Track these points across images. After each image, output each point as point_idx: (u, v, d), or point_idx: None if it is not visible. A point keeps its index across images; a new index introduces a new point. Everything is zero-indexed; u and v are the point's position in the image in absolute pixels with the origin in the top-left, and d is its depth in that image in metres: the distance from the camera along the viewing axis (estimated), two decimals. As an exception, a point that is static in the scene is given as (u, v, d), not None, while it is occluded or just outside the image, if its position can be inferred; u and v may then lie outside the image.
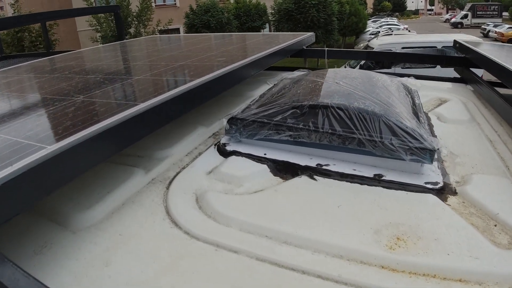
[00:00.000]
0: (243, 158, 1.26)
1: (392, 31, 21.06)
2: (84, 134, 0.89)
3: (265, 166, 1.22)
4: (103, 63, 2.14)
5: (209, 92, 1.39)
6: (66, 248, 0.90)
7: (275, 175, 1.20)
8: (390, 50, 10.61)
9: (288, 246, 0.88)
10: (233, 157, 1.27)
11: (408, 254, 0.83)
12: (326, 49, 2.67)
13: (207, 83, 1.36)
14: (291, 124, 1.24)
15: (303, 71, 2.11)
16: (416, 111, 1.43)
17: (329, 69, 1.84)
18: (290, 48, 2.35)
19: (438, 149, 1.17)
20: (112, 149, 0.97)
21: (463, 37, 10.33)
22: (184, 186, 1.14)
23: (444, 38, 10.79)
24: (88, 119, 1.01)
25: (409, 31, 24.62)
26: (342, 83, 1.44)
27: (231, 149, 1.31)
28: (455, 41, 2.70)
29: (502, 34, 28.93)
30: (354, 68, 10.19)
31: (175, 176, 1.21)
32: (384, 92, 1.42)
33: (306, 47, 2.73)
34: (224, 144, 1.35)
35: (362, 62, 10.60)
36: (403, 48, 10.53)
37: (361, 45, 18.02)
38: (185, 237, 0.92)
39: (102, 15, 14.85)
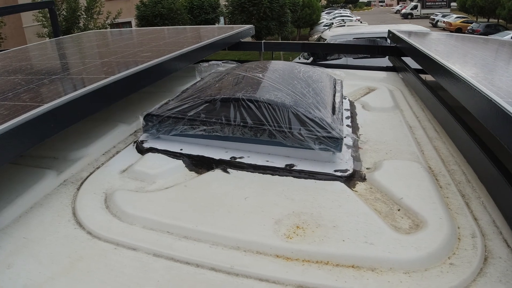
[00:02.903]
0: (159, 154, 1.26)
1: (345, 23, 21.51)
2: None
3: (180, 162, 1.23)
4: (28, 63, 2.05)
5: (127, 88, 1.38)
6: None
7: (190, 170, 1.21)
8: (342, 41, 10.86)
9: (187, 241, 0.89)
10: (149, 154, 1.27)
11: (303, 242, 0.85)
12: (263, 41, 2.69)
13: (123, 79, 1.34)
14: (204, 119, 1.25)
15: (232, 63, 2.12)
16: (333, 101, 1.48)
17: (257, 62, 1.86)
18: (224, 41, 2.36)
19: (345, 137, 1.22)
20: (13, 151, 0.95)
21: (412, 27, 10.72)
22: (95, 186, 1.13)
23: (393, 28, 11.12)
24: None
25: (361, 22, 25.25)
26: (261, 76, 1.46)
27: (148, 146, 1.31)
28: (389, 31, 2.78)
29: (450, 24, 30.33)
30: (307, 59, 10.33)
31: (87, 177, 1.19)
32: (301, 83, 1.45)
33: (249, 38, 2.73)
34: (142, 142, 1.34)
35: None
36: (354, 38, 10.79)
37: (315, 36, 18.28)
38: (86, 238, 0.92)
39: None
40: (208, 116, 1.25)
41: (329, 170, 1.15)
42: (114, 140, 1.43)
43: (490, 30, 24.76)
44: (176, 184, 1.13)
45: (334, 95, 1.57)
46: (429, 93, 1.67)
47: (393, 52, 2.57)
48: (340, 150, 1.17)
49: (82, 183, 1.15)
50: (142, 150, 1.31)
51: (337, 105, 1.45)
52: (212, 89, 1.40)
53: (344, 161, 1.19)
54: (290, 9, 16.20)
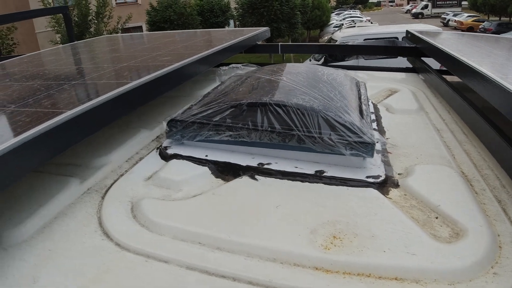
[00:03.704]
0: (184, 161, 1.23)
1: (355, 23, 21.37)
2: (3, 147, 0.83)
3: (206, 168, 1.19)
4: (45, 68, 2.04)
5: (151, 92, 1.34)
6: None
7: (216, 177, 1.17)
8: (353, 41, 10.77)
9: (220, 252, 0.85)
10: (174, 161, 1.23)
11: (342, 253, 0.81)
12: (280, 44, 2.65)
13: (145, 84, 1.31)
14: (230, 124, 1.21)
15: (253, 66, 2.08)
16: (360, 104, 1.43)
17: (278, 64, 1.82)
18: (241, 44, 2.32)
19: (377, 142, 1.17)
20: (36, 160, 0.91)
21: (423, 27, 10.61)
22: (120, 194, 1.09)
23: (404, 28, 11.02)
24: (12, 129, 0.96)
25: (371, 22, 25.08)
26: (285, 79, 1.43)
27: (172, 152, 1.27)
28: (407, 31, 2.73)
29: (461, 23, 29.98)
30: (319, 60, 10.27)
31: (112, 184, 1.16)
32: (327, 86, 1.41)
33: (263, 41, 2.71)
34: (166, 148, 1.31)
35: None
36: (365, 39, 10.71)
37: (325, 38, 18.19)
38: (115, 249, 0.88)
39: (61, 15, 14.28)
40: (235, 122, 1.21)
41: (360, 176, 1.11)
42: (137, 146, 1.40)
43: (502, 28, 24.38)
44: (203, 191, 1.09)
45: (360, 98, 1.52)
46: (456, 95, 1.62)
47: (413, 53, 2.51)
48: (372, 156, 1.13)
49: (106, 191, 1.12)
50: (166, 157, 1.27)
51: (364, 108, 1.41)
52: (236, 93, 1.36)
53: (375, 167, 1.15)
54: (300, 10, 16.15)
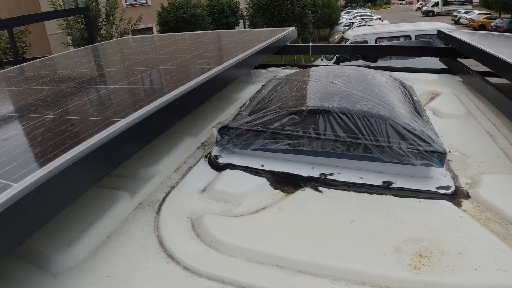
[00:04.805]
0: (239, 171, 1.14)
1: (366, 22, 21.18)
2: (55, 166, 0.74)
3: (263, 179, 1.11)
4: (74, 70, 1.97)
5: (198, 98, 1.26)
6: None
7: (275, 188, 1.09)
8: (366, 41, 10.66)
9: (303, 276, 0.77)
10: (228, 171, 1.15)
11: (434, 273, 0.75)
12: (310, 44, 2.56)
13: (196, 89, 1.23)
14: (290, 132, 1.13)
15: (292, 68, 2.00)
16: (417, 109, 1.34)
17: (319, 67, 1.73)
18: (274, 45, 2.23)
19: (449, 151, 1.09)
20: (91, 179, 0.83)
21: (435, 25, 10.47)
22: (176, 209, 1.01)
23: (416, 27, 10.92)
24: (60, 143, 0.87)
25: (382, 21, 24.85)
26: (338, 83, 1.34)
27: (225, 162, 1.19)
28: (439, 31, 2.65)
29: (473, 20, 29.56)
30: (330, 60, 10.16)
31: (164, 198, 1.07)
32: (383, 90, 1.33)
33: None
34: (216, 157, 1.23)
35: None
36: (377, 38, 10.61)
37: (336, 37, 18.04)
38: (185, 274, 0.79)
39: (72, 17, 14.31)
40: (295, 129, 1.12)
41: (430, 187, 1.04)
42: (183, 155, 1.31)
43: (514, 25, 23.99)
44: (266, 205, 1.00)
45: (416, 103, 1.43)
46: (505, 98, 1.53)
47: (449, 54, 2.41)
48: (443, 166, 1.06)
49: (160, 206, 1.04)
50: (217, 166, 1.19)
51: (424, 114, 1.31)
52: (290, 99, 1.27)
53: (442, 176, 1.08)
54: (310, 10, 16.02)
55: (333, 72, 1.52)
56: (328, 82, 1.36)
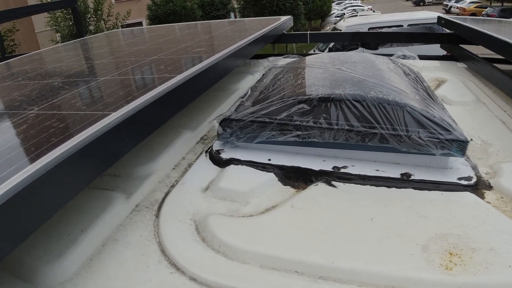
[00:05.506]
0: (244, 166, 1.05)
1: (357, 13, 21.08)
2: (38, 167, 0.64)
3: (271, 175, 1.01)
4: (62, 64, 1.85)
5: (197, 88, 1.16)
6: None
7: (285, 184, 1.00)
8: (358, 31, 10.57)
9: (325, 283, 0.69)
10: (232, 167, 1.05)
11: (468, 273, 0.69)
12: (308, 32, 2.46)
13: (194, 78, 1.12)
14: (299, 122, 1.03)
15: (294, 57, 1.90)
16: (431, 96, 1.26)
17: (322, 54, 1.64)
18: (272, 34, 2.13)
19: (471, 139, 1.01)
20: (81, 181, 0.73)
21: (426, 14, 10.45)
22: (177, 211, 0.91)
23: (408, 16, 10.91)
24: (43, 141, 0.76)
25: (373, 11, 24.76)
26: (345, 69, 1.24)
27: (228, 157, 1.09)
28: (439, 17, 2.58)
29: (464, 9, 29.61)
30: (323, 51, 10.08)
31: (164, 199, 0.97)
32: (394, 76, 1.24)
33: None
34: (218, 151, 1.13)
35: (331, 44, 10.50)
36: (369, 28, 10.57)
37: (328, 28, 17.92)
38: (192, 286, 0.70)
39: (60, 14, 14.04)
40: (305, 119, 1.03)
41: (451, 178, 0.97)
42: (182, 151, 1.21)
43: (505, 14, 24.03)
44: (276, 203, 0.91)
45: (428, 89, 1.35)
46: None
47: (451, 40, 2.34)
48: (464, 155, 0.99)
49: (159, 208, 0.94)
50: (220, 162, 1.09)
51: (438, 101, 1.23)
52: (296, 86, 1.17)
53: (461, 166, 1.01)
54: (302, 1, 15.88)
55: (338, 58, 1.43)
56: (335, 68, 1.27)
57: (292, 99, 1.06)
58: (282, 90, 1.15)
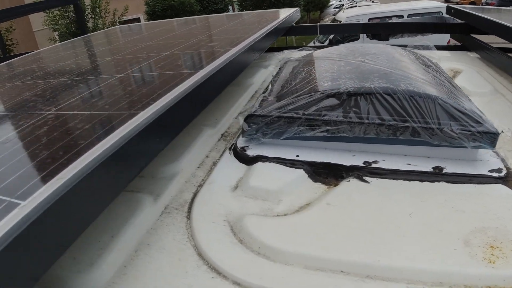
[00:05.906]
0: (272, 163, 1.02)
1: (356, 3, 20.92)
2: (71, 174, 0.60)
3: (301, 172, 0.99)
4: (70, 62, 1.82)
5: (219, 83, 1.13)
6: None
7: (315, 181, 0.97)
8: (359, 22, 10.51)
9: (373, 282, 0.67)
10: (260, 164, 1.03)
11: (511, 265, 0.69)
12: (318, 24, 2.42)
13: (217, 72, 1.09)
14: (329, 117, 1.00)
15: (309, 49, 1.86)
16: (455, 87, 1.23)
17: (338, 46, 1.60)
18: (282, 26, 2.10)
19: (502, 131, 0.99)
20: (117, 186, 0.70)
21: (427, 3, 10.35)
22: (209, 212, 0.88)
23: (408, 6, 10.81)
24: (71, 144, 0.73)
25: (372, 1, 24.58)
26: (368, 62, 1.21)
27: (254, 154, 1.07)
28: (448, 7, 2.55)
29: (463, -2, 29.39)
30: (323, 43, 10.02)
31: (193, 199, 0.95)
32: (419, 68, 1.21)
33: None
34: (243, 148, 1.10)
35: (331, 36, 10.43)
36: (370, 19, 10.51)
37: (327, 19, 17.77)
38: None
39: (58, 12, 13.91)
40: (334, 114, 1.00)
41: (482, 170, 0.95)
42: (205, 148, 1.18)
43: (504, 2, 23.88)
44: (309, 201, 0.89)
45: (451, 81, 1.32)
46: None
47: (462, 30, 2.30)
48: (494, 147, 0.97)
49: (190, 209, 0.91)
50: (246, 159, 1.06)
51: (463, 93, 1.21)
52: (321, 80, 1.14)
53: (491, 158, 1.00)
54: (300, -7, 15.74)
55: (358, 50, 1.39)
56: (357, 61, 1.23)
57: (320, 93, 1.03)
58: (307, 84, 1.12)
